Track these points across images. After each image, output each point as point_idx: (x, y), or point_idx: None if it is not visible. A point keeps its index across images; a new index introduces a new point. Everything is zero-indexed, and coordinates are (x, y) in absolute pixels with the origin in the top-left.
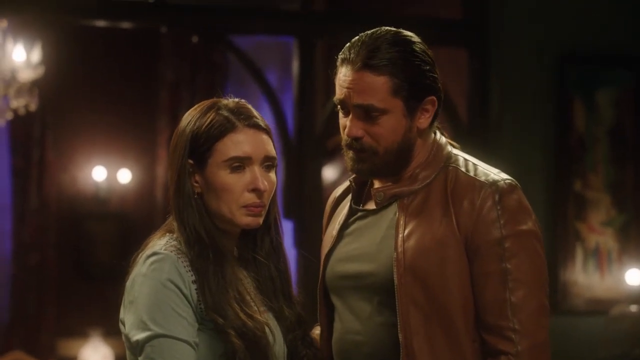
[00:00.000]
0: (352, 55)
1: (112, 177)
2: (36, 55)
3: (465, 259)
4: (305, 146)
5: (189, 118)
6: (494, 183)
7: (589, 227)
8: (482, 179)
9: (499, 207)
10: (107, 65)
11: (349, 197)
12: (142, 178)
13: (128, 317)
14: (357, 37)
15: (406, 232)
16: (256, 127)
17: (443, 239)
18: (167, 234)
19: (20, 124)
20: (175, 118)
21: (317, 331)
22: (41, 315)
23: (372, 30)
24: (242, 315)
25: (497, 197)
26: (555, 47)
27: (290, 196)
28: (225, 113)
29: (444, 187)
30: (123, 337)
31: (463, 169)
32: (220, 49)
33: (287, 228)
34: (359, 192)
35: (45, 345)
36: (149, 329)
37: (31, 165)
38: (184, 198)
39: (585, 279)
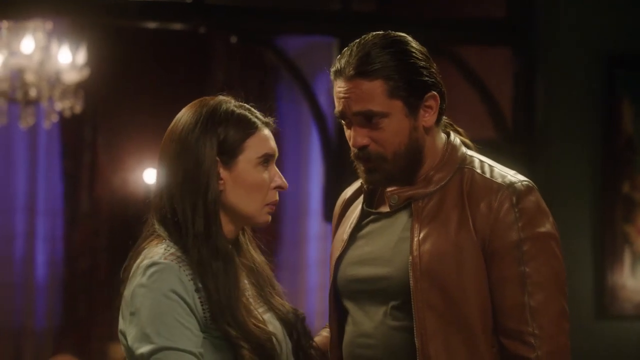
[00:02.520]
0: (343, 65)
1: None
2: (81, 57)
3: (482, 263)
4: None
5: (204, 116)
6: (511, 185)
7: (638, 230)
8: (499, 180)
9: (516, 210)
10: (157, 67)
11: (360, 199)
12: None
13: (130, 330)
14: (347, 47)
15: (421, 235)
16: (270, 125)
17: (460, 242)
18: (164, 240)
19: (71, 128)
20: None
21: (324, 332)
22: (92, 320)
23: (361, 37)
24: (251, 325)
25: (514, 199)
26: (603, 47)
27: (331, 200)
28: (243, 111)
29: (460, 190)
30: (123, 349)
31: (479, 171)
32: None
33: (328, 231)
34: (372, 195)
35: (95, 350)
36: (153, 342)
37: (82, 169)
38: (210, 199)
39: (634, 282)
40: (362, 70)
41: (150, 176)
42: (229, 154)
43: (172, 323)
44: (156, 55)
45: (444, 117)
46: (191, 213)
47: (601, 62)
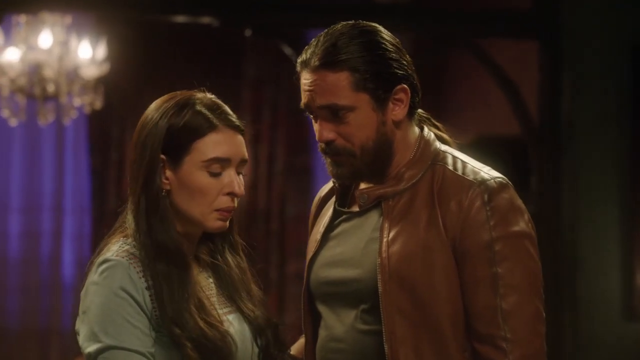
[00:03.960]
0: (308, 56)
1: None
2: (101, 51)
3: (453, 264)
4: None
5: (162, 110)
6: (483, 182)
7: None
8: (471, 177)
9: (488, 208)
10: (188, 63)
11: (334, 198)
12: None
13: (81, 328)
14: (315, 37)
15: (391, 236)
16: (235, 128)
17: (429, 243)
18: (122, 237)
19: (98, 125)
20: (259, 116)
21: (302, 339)
22: None
23: (330, 27)
24: (201, 324)
25: (486, 197)
26: (630, 39)
27: None
28: (204, 110)
29: (431, 187)
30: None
31: (451, 168)
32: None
33: None
34: (344, 193)
35: None
36: (101, 341)
37: (109, 166)
38: (150, 195)
39: None
40: (327, 61)
41: None
42: (174, 153)
43: (120, 322)
44: (190, 51)
45: (421, 110)
46: (136, 210)
47: (629, 53)
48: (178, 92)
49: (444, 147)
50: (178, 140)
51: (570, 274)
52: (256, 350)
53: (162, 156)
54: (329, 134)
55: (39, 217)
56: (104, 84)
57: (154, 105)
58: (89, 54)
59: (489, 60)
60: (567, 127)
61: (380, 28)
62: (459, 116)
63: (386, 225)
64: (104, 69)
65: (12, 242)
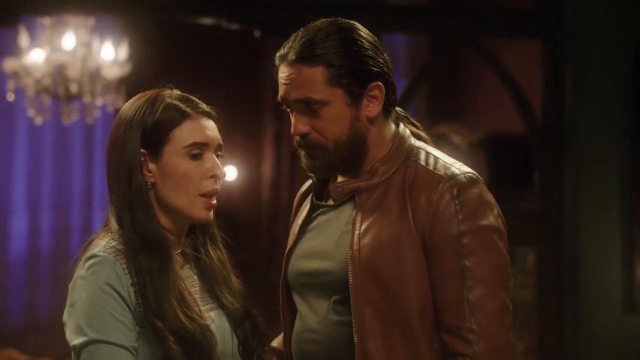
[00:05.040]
0: (286, 51)
1: None
2: (123, 52)
3: (422, 257)
4: None
5: (135, 108)
6: (453, 177)
7: None
8: (441, 172)
9: (457, 202)
10: (212, 63)
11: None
12: (248, 175)
13: (68, 322)
14: (294, 33)
15: (362, 229)
16: (207, 114)
17: (399, 236)
18: (109, 233)
19: None
20: (281, 115)
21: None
22: None
23: (309, 23)
24: (182, 317)
25: (455, 191)
26: (632, 39)
27: None
28: (175, 102)
29: (403, 182)
30: None
31: (423, 163)
32: None
33: None
34: (321, 187)
35: None
36: (86, 335)
37: None
38: (133, 189)
39: None
40: (303, 55)
41: None
42: (154, 146)
43: (105, 316)
44: (213, 53)
45: (399, 109)
46: (120, 206)
47: (631, 53)
48: (147, 91)
49: (418, 143)
50: (155, 132)
51: (572, 268)
52: (236, 343)
53: (142, 150)
54: (304, 127)
55: (69, 213)
56: (126, 84)
57: (126, 105)
58: (111, 55)
59: (493, 60)
60: (570, 125)
61: (359, 26)
62: (476, 114)
63: (358, 218)
64: (126, 69)
65: (43, 237)
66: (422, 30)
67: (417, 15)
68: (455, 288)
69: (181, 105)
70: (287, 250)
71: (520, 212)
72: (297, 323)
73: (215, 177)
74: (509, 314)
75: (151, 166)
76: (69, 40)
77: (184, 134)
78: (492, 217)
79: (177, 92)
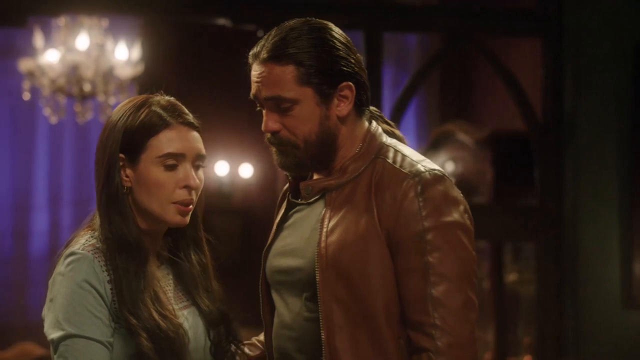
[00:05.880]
0: (259, 49)
1: (234, 171)
2: (136, 53)
3: (387, 254)
4: None
5: (121, 112)
6: (417, 174)
7: None
8: (406, 170)
9: (420, 199)
10: (227, 61)
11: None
12: (264, 172)
13: (47, 316)
14: (268, 32)
15: (330, 226)
16: (189, 125)
17: (364, 233)
18: (90, 231)
19: None
20: None
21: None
22: None
23: (283, 22)
24: (156, 315)
25: (419, 188)
26: (632, 38)
27: None
28: (159, 110)
29: (370, 180)
30: None
31: (390, 161)
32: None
33: None
34: (298, 185)
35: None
36: (64, 329)
37: None
38: (111, 192)
39: None
40: (275, 54)
41: (221, 168)
42: (132, 151)
43: (83, 312)
44: (228, 51)
45: (373, 108)
46: (100, 206)
47: (630, 52)
48: (137, 96)
49: (389, 141)
50: (134, 139)
51: (571, 263)
52: (209, 343)
53: (121, 155)
54: (274, 125)
55: (88, 209)
56: (139, 83)
57: (117, 108)
58: (124, 55)
59: (494, 58)
60: (570, 123)
61: (332, 26)
62: (486, 112)
63: (327, 216)
64: (139, 69)
65: (63, 234)
66: (424, 29)
67: (417, 14)
68: (419, 284)
69: (163, 113)
70: (265, 248)
71: (522, 209)
72: (275, 319)
73: (188, 187)
74: (473, 309)
75: (128, 171)
76: (82, 40)
77: (160, 144)
78: (457, 214)
79: (166, 98)
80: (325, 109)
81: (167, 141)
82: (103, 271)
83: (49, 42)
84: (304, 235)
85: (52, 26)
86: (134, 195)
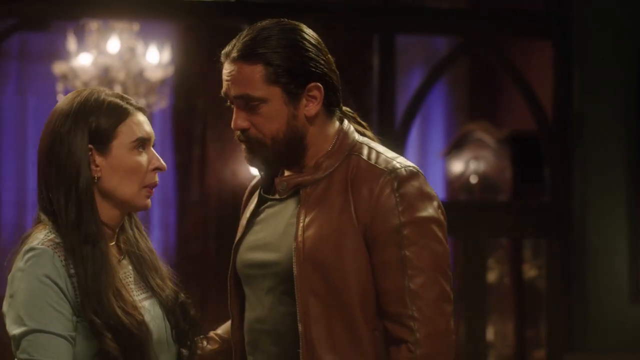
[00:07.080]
0: (230, 48)
1: None
2: (166, 55)
3: (364, 248)
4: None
5: (77, 103)
6: (394, 170)
7: None
8: (382, 166)
9: (397, 195)
10: None
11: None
12: None
13: (8, 312)
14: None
15: (306, 221)
16: (142, 110)
17: (341, 228)
18: (48, 227)
19: (183, 123)
20: None
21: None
22: (203, 302)
23: (256, 23)
24: (119, 312)
25: (395, 184)
26: (638, 41)
27: None
28: (115, 99)
29: (345, 176)
30: None
31: (365, 157)
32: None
33: None
34: (269, 181)
35: (207, 330)
36: (25, 324)
37: (192, 161)
38: (82, 186)
39: None
40: (244, 53)
41: (254, 169)
42: (102, 141)
43: (44, 307)
44: None
45: (347, 109)
46: (65, 201)
47: (637, 53)
48: (80, 89)
49: (362, 139)
50: (102, 128)
51: (579, 259)
52: (169, 329)
53: (90, 146)
54: (243, 123)
55: None
56: (169, 85)
57: (64, 102)
58: (155, 58)
59: (505, 60)
60: (578, 123)
61: (303, 27)
62: (509, 113)
63: (303, 211)
64: (169, 71)
65: None
66: (435, 32)
67: (424, 17)
68: (396, 277)
69: (121, 102)
70: (235, 242)
71: (533, 207)
72: (248, 314)
73: (158, 168)
74: (449, 301)
75: (99, 160)
76: (114, 44)
77: (130, 129)
78: (432, 209)
79: (107, 90)
80: (293, 108)
81: (136, 126)
82: (63, 266)
83: (81, 46)
84: (278, 229)
85: (85, 31)
86: (102, 183)
